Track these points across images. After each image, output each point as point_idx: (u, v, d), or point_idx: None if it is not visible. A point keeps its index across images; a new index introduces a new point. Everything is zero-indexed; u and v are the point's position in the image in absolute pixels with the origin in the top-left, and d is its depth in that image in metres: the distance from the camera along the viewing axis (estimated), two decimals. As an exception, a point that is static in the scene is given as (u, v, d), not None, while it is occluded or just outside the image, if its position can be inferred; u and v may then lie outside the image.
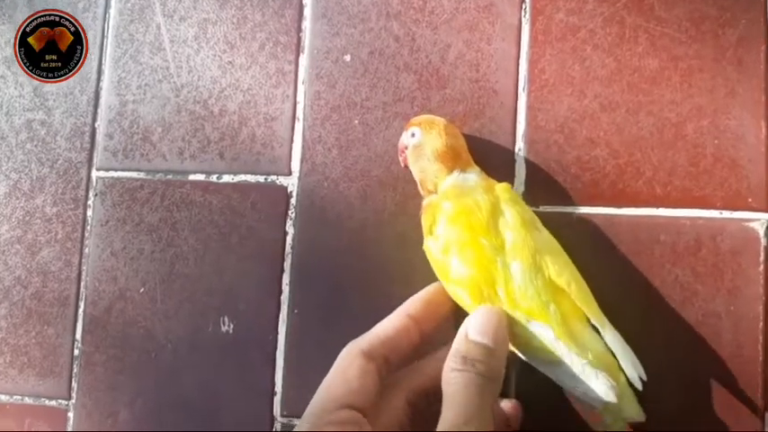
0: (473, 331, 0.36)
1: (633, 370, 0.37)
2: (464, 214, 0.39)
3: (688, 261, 0.43)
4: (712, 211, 0.43)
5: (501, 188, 0.41)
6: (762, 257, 0.42)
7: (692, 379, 0.42)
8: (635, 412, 0.37)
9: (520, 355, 0.39)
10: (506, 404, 0.41)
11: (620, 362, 0.37)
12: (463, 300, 0.39)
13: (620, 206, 0.44)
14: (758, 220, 0.43)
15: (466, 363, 0.35)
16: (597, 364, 0.37)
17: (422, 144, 0.42)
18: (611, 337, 0.38)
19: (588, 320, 0.38)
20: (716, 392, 0.42)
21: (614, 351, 0.37)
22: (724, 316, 0.42)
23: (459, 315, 0.40)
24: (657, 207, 0.44)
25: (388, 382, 0.39)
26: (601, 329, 0.38)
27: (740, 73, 0.44)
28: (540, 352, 0.37)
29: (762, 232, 0.42)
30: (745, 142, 0.43)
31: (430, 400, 0.38)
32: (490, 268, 0.38)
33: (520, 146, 0.45)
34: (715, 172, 0.43)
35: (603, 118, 0.45)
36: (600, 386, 0.36)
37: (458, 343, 0.36)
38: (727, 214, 0.43)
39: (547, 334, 0.37)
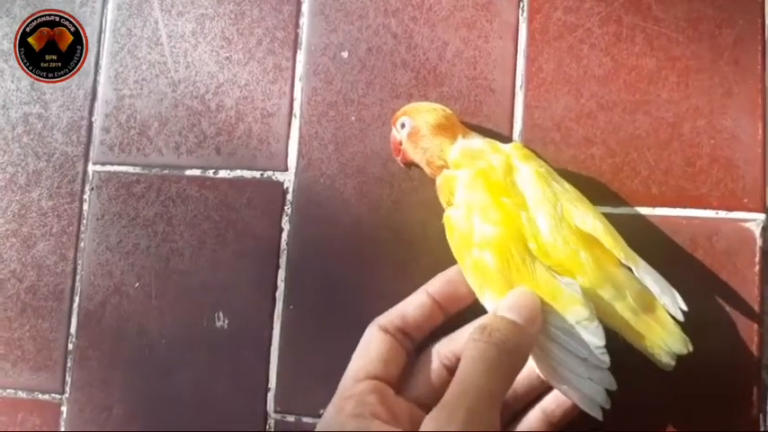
0: (502, 307, 0.36)
1: (672, 303, 0.37)
2: (480, 177, 0.39)
3: (683, 261, 0.43)
4: (708, 211, 0.43)
5: (513, 146, 0.41)
6: (757, 258, 0.42)
7: (687, 380, 0.42)
8: (682, 345, 0.38)
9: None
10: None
11: (659, 297, 0.38)
12: (488, 266, 0.38)
13: (615, 205, 0.44)
14: (754, 220, 0.42)
15: (483, 332, 0.34)
16: (636, 304, 0.37)
17: (416, 127, 0.42)
18: (646, 274, 0.38)
19: (620, 262, 0.38)
20: (712, 393, 0.42)
21: (650, 288, 0.38)
22: (719, 316, 0.42)
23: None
24: (653, 207, 0.44)
25: (423, 353, 0.40)
26: (634, 268, 0.38)
27: (737, 73, 0.44)
28: (568, 310, 0.37)
29: (757, 233, 0.42)
30: (742, 142, 0.43)
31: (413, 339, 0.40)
32: (517, 225, 0.38)
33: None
34: (711, 172, 0.43)
35: (600, 117, 0.45)
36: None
37: (483, 318, 0.36)
38: (722, 214, 0.43)
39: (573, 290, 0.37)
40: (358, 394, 0.36)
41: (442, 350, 0.40)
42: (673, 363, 0.38)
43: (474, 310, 0.40)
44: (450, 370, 0.39)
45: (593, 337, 0.36)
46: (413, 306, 0.40)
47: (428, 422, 0.32)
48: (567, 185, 0.40)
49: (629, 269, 0.38)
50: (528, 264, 0.37)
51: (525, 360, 0.35)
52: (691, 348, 0.38)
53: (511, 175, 0.39)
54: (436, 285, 0.41)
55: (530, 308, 0.35)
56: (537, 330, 0.35)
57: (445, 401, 0.32)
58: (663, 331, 0.38)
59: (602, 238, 0.38)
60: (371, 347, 0.38)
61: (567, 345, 0.36)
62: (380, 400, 0.36)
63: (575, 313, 0.36)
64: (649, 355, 0.38)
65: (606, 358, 0.36)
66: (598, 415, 0.37)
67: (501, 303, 0.36)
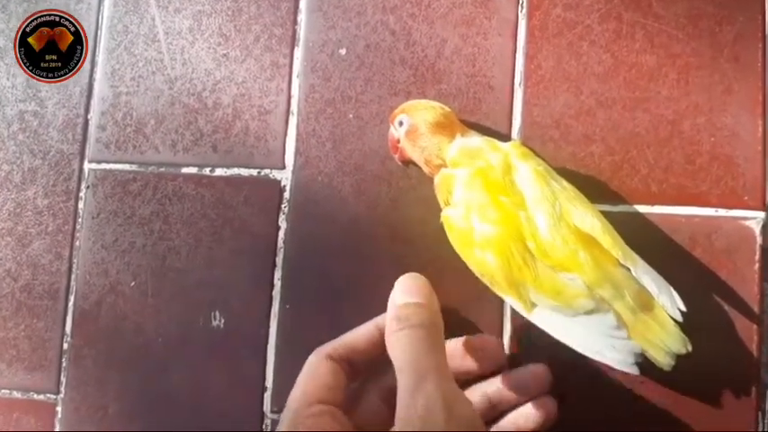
0: (399, 296, 0.38)
1: (671, 303, 0.37)
2: (479, 176, 0.39)
3: (683, 259, 0.43)
4: (708, 209, 0.43)
5: (512, 145, 0.40)
6: (757, 256, 0.42)
7: (687, 378, 0.42)
8: (681, 345, 0.38)
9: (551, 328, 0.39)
10: (534, 367, 0.41)
11: (657, 297, 0.38)
12: (489, 264, 0.38)
13: (615, 203, 0.44)
14: (754, 218, 0.42)
15: (400, 321, 0.36)
16: (635, 303, 0.37)
17: (414, 125, 0.42)
18: (644, 273, 0.38)
19: (619, 261, 0.38)
20: (711, 392, 0.42)
21: (648, 287, 0.38)
22: (719, 315, 0.42)
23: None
24: (653, 204, 0.43)
25: (361, 384, 0.41)
26: (632, 268, 0.38)
27: (737, 70, 0.43)
28: (573, 304, 0.37)
29: (757, 231, 0.42)
30: (742, 140, 0.43)
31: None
32: (516, 224, 0.38)
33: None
34: (711, 170, 0.43)
35: (600, 114, 0.44)
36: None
37: (389, 311, 0.38)
38: (722, 212, 0.43)
39: (577, 284, 0.37)
40: (314, 416, 0.36)
41: (375, 383, 0.41)
42: (672, 362, 0.38)
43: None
44: (386, 402, 0.40)
45: (604, 322, 0.37)
46: (361, 337, 0.40)
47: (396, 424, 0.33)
48: (566, 184, 0.40)
49: (628, 269, 0.38)
50: (529, 262, 0.37)
51: (442, 331, 0.37)
52: (690, 348, 0.38)
53: (509, 174, 0.39)
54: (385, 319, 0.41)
55: (422, 287, 0.38)
56: (437, 304, 0.38)
57: (401, 398, 0.33)
58: (661, 331, 0.38)
59: (601, 238, 0.38)
60: (320, 374, 0.38)
61: (587, 325, 0.37)
62: (335, 422, 0.36)
63: (580, 306, 0.37)
64: (648, 355, 0.38)
65: (623, 332, 0.37)
66: (635, 371, 0.37)
67: (395, 293, 0.38)
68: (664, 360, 0.38)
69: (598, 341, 0.38)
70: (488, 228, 0.38)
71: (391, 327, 0.36)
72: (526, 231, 0.38)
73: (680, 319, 0.38)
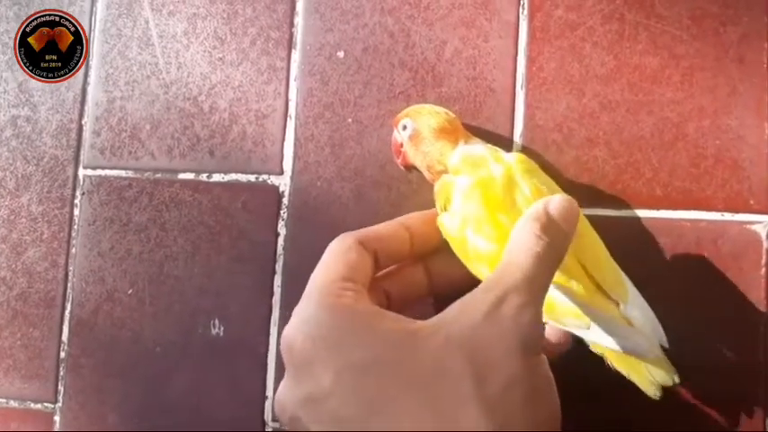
0: (557, 207, 0.35)
1: (654, 338, 0.37)
2: (479, 187, 0.38)
3: (688, 264, 0.42)
4: (713, 213, 0.42)
5: (516, 159, 0.40)
6: (763, 260, 0.42)
7: (693, 382, 0.41)
8: (668, 377, 0.37)
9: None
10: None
11: (641, 331, 0.37)
12: (484, 275, 0.38)
13: (619, 208, 0.43)
14: (760, 222, 0.42)
15: (547, 231, 0.33)
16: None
17: (417, 130, 0.41)
18: (632, 309, 0.37)
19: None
20: (717, 395, 0.42)
21: (633, 322, 0.37)
22: (725, 320, 0.42)
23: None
24: (657, 209, 0.43)
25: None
26: (621, 306, 0.37)
27: (742, 72, 0.43)
28: (568, 315, 0.37)
29: (763, 235, 0.42)
30: (747, 143, 0.42)
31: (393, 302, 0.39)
32: None
33: (517, 145, 0.44)
34: (716, 173, 0.42)
35: (603, 117, 0.44)
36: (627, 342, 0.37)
37: (537, 212, 0.35)
38: (728, 216, 0.42)
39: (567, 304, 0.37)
40: (349, 290, 0.34)
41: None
42: (659, 393, 0.37)
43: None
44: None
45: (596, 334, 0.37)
46: (389, 234, 0.39)
47: (460, 301, 0.32)
48: None
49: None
50: None
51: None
52: (677, 380, 0.37)
53: (511, 192, 0.38)
54: (414, 221, 0.40)
55: (576, 220, 0.35)
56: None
57: (482, 284, 0.32)
58: (649, 363, 0.37)
59: (593, 269, 0.37)
60: (351, 257, 0.36)
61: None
62: (369, 302, 0.34)
63: (570, 324, 0.37)
64: (637, 384, 0.38)
65: (628, 333, 0.37)
66: (659, 354, 0.37)
67: (554, 202, 0.35)
68: (650, 390, 0.38)
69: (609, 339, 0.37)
70: (483, 243, 0.37)
71: (533, 227, 0.34)
72: None
73: (660, 355, 0.37)
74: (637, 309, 0.38)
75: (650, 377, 0.37)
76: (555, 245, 0.33)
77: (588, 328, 0.37)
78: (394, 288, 0.39)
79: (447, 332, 0.30)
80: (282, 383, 0.33)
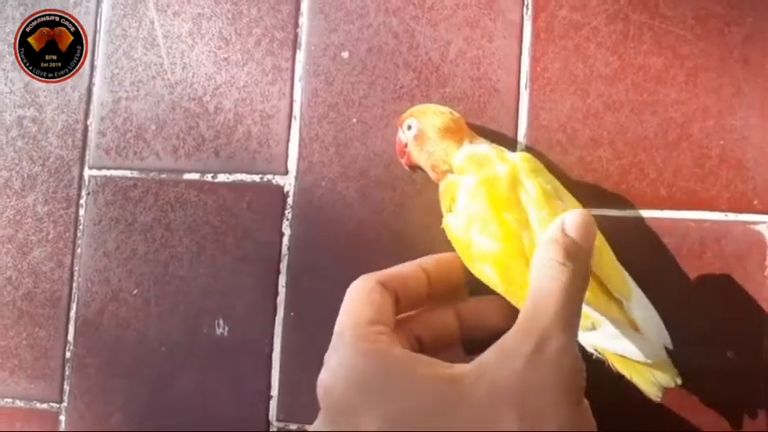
0: (572, 226, 0.35)
1: (658, 340, 0.37)
2: (484, 186, 0.38)
3: (692, 264, 0.42)
4: (717, 213, 0.42)
5: (521, 158, 0.40)
6: (767, 260, 0.42)
7: (695, 382, 0.41)
8: (670, 379, 0.37)
9: None
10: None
11: (644, 332, 0.37)
12: (489, 277, 0.38)
13: (623, 208, 0.43)
14: (764, 222, 0.42)
15: (569, 256, 0.33)
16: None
17: (422, 130, 0.41)
18: (636, 309, 0.37)
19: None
20: (721, 396, 0.41)
21: (637, 323, 0.37)
22: (728, 320, 0.42)
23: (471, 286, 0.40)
24: (662, 209, 0.43)
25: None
26: (624, 302, 0.37)
27: (746, 72, 0.43)
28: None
29: (767, 235, 0.42)
30: (751, 143, 0.42)
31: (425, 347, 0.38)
32: (517, 242, 0.37)
33: (521, 145, 0.45)
34: (720, 173, 0.42)
35: (607, 117, 0.44)
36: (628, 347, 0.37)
37: (556, 235, 0.35)
38: (732, 216, 0.42)
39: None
40: (379, 333, 0.34)
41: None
42: (661, 395, 0.38)
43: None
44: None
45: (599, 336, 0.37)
46: (409, 275, 0.38)
47: (497, 346, 0.31)
48: (575, 204, 0.39)
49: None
50: (526, 279, 0.37)
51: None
52: (679, 382, 0.37)
53: (516, 191, 0.38)
54: (430, 263, 0.40)
55: (593, 235, 0.35)
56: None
57: (517, 326, 0.32)
58: (651, 365, 0.37)
59: (598, 271, 0.37)
60: (375, 298, 0.36)
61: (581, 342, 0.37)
62: (398, 344, 0.34)
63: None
64: (636, 383, 0.38)
65: (631, 336, 0.37)
66: (663, 356, 0.37)
67: (569, 221, 0.35)
68: (651, 391, 0.38)
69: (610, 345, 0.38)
70: (488, 242, 0.38)
71: (558, 254, 0.33)
72: (527, 251, 0.37)
73: (664, 357, 0.37)
74: (641, 309, 0.38)
75: (652, 379, 0.37)
76: (579, 268, 0.33)
77: (593, 329, 0.37)
78: (426, 333, 0.39)
79: (491, 380, 0.30)
80: (318, 426, 0.33)
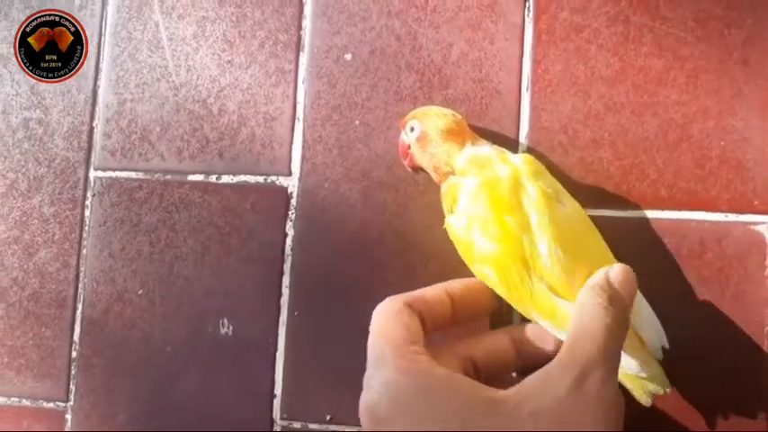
0: (619, 275, 0.36)
1: (656, 341, 0.38)
2: (485, 188, 0.38)
3: (693, 264, 0.42)
4: (718, 213, 0.43)
5: (524, 161, 0.40)
6: (768, 261, 0.42)
7: (696, 383, 0.42)
8: (660, 386, 0.38)
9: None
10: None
11: (642, 334, 0.38)
12: (489, 278, 0.39)
13: (624, 208, 0.43)
14: (764, 223, 0.42)
15: (613, 301, 0.34)
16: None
17: (425, 131, 0.41)
18: (634, 313, 0.37)
19: None
20: (720, 396, 0.42)
21: (634, 326, 0.38)
22: (729, 320, 0.42)
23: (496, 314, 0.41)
24: (662, 209, 0.43)
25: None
26: None
27: (746, 74, 0.43)
28: (565, 328, 0.37)
29: (767, 235, 0.42)
30: (752, 144, 0.43)
31: (480, 371, 0.38)
32: (517, 245, 0.37)
33: (523, 147, 0.45)
34: (721, 174, 0.43)
35: (608, 119, 0.44)
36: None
37: (601, 282, 0.36)
38: (732, 217, 0.42)
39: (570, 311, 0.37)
40: (416, 353, 0.34)
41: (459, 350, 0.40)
42: (650, 401, 0.38)
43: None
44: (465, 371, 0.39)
45: None
46: (433, 298, 0.39)
47: (539, 375, 0.32)
48: (575, 207, 0.40)
49: None
50: (526, 283, 0.37)
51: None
52: (669, 390, 0.38)
53: (517, 194, 0.38)
54: (456, 287, 0.40)
55: (634, 290, 0.36)
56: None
57: (560, 357, 0.32)
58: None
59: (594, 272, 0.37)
60: (405, 319, 0.36)
61: None
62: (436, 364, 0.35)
63: None
64: (629, 390, 0.38)
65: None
66: (654, 369, 0.38)
67: (616, 270, 0.36)
68: (642, 397, 0.38)
69: None
70: (489, 244, 0.38)
71: (602, 297, 0.34)
72: (527, 254, 0.37)
73: (660, 357, 0.38)
74: (639, 313, 0.38)
75: (642, 386, 0.38)
76: (620, 314, 0.34)
77: None
78: (481, 358, 0.39)
79: (533, 405, 0.31)
80: None
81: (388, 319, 0.36)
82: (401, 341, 0.35)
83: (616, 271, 0.36)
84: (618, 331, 0.34)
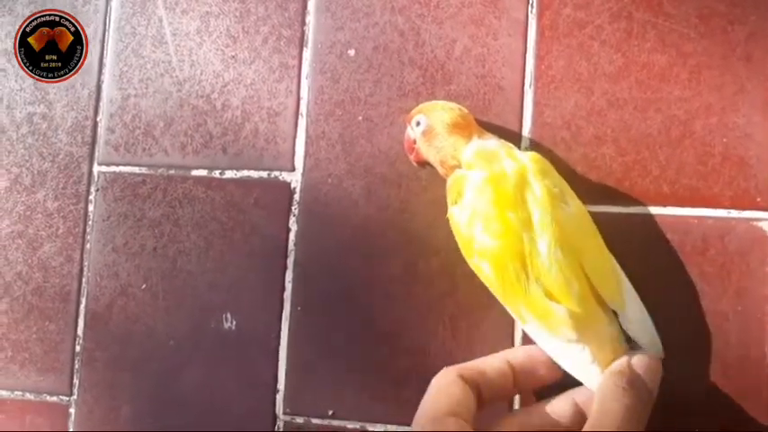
0: (639, 367, 0.37)
1: (650, 348, 0.38)
2: (491, 183, 0.38)
3: (695, 261, 0.42)
4: (720, 210, 0.43)
5: (531, 158, 0.40)
6: (770, 257, 0.42)
7: (698, 379, 0.42)
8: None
9: (537, 334, 0.39)
10: None
11: (638, 342, 0.38)
12: (486, 274, 0.39)
13: (626, 205, 0.43)
14: (766, 219, 0.42)
15: (633, 385, 0.36)
16: (598, 355, 0.37)
17: (431, 125, 0.41)
18: (630, 321, 0.38)
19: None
20: (722, 393, 0.42)
21: (630, 334, 0.38)
22: (731, 316, 0.42)
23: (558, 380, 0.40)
24: (665, 206, 0.43)
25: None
26: (619, 313, 0.38)
27: (749, 70, 0.43)
28: (557, 331, 0.37)
29: (770, 232, 0.42)
30: (754, 140, 0.43)
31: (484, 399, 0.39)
32: (517, 243, 0.37)
33: (526, 143, 0.45)
34: (723, 170, 0.43)
35: (611, 115, 0.44)
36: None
37: (623, 366, 0.37)
38: (735, 213, 0.42)
39: (564, 314, 0.37)
40: (450, 426, 0.35)
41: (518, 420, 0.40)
42: None
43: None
44: None
45: (582, 355, 0.37)
46: (492, 369, 0.39)
47: None
48: (579, 207, 0.40)
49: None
50: (522, 281, 0.37)
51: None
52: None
53: (522, 191, 0.38)
54: (518, 357, 0.40)
55: (657, 377, 0.37)
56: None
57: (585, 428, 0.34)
58: None
59: (593, 276, 0.38)
60: (452, 390, 0.37)
61: (569, 353, 0.38)
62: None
63: (563, 334, 0.37)
64: None
65: (598, 369, 0.37)
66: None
67: (637, 359, 0.37)
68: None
69: (580, 370, 0.38)
70: (488, 240, 0.38)
71: (622, 380, 0.36)
72: (526, 252, 0.37)
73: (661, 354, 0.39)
74: (634, 320, 0.38)
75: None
76: (641, 399, 0.35)
77: (576, 340, 0.37)
78: (485, 385, 0.39)
79: None
80: None
81: (436, 391, 0.38)
82: (441, 411, 0.36)
83: (640, 359, 0.37)
84: (636, 413, 0.35)
